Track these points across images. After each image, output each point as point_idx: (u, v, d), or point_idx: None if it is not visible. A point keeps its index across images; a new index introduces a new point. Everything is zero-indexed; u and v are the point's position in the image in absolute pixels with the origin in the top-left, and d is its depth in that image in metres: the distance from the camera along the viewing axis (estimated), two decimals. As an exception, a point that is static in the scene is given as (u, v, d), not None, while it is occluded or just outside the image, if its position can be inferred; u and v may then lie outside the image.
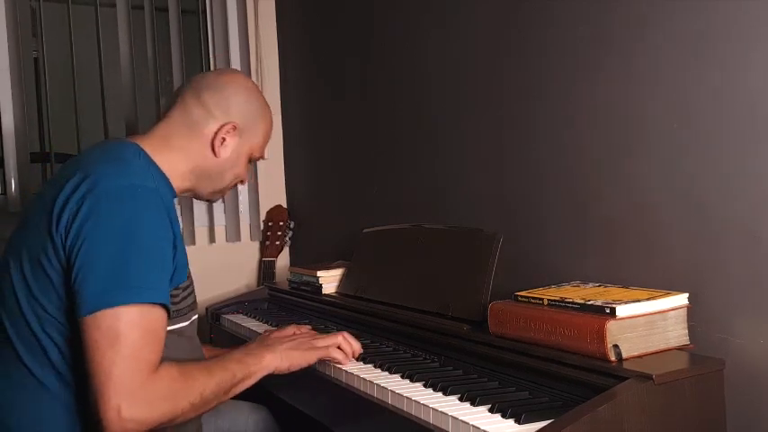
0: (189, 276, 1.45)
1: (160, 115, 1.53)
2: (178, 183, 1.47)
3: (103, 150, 1.41)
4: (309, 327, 1.76)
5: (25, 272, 1.29)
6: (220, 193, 1.59)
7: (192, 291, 1.47)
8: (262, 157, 1.60)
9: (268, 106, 1.60)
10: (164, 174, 1.42)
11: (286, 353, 1.44)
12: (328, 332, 1.74)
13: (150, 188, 1.32)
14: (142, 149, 1.41)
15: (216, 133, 1.48)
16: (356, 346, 1.55)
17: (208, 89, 1.50)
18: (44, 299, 1.27)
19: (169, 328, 1.31)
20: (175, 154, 1.46)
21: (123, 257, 1.23)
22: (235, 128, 1.49)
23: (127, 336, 1.19)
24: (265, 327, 2.03)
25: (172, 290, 1.33)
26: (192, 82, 1.53)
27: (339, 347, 1.53)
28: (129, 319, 1.20)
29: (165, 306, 1.27)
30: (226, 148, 1.49)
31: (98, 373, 1.18)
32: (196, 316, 1.49)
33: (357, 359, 1.55)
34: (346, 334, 1.57)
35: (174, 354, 1.32)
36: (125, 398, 1.17)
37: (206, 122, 1.48)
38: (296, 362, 1.45)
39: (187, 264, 1.43)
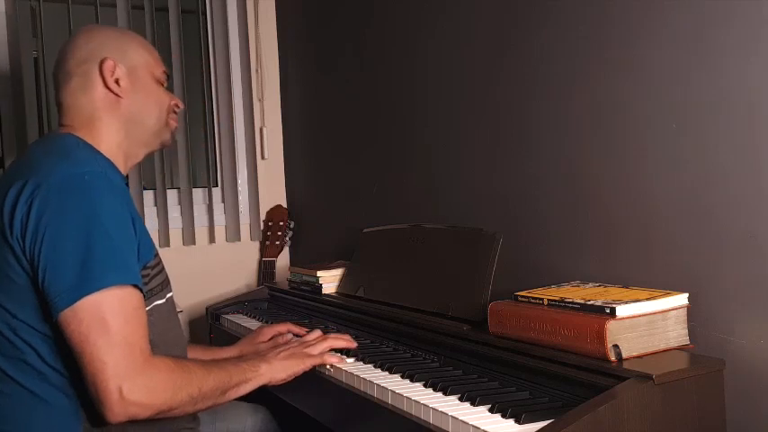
0: (156, 255, 1.42)
1: (57, 108, 1.47)
2: (118, 157, 1.43)
3: (43, 148, 1.38)
4: (303, 327, 1.79)
5: None
6: (166, 131, 1.51)
7: (162, 269, 1.45)
8: (165, 73, 1.53)
9: (121, 29, 1.57)
10: (106, 158, 1.39)
11: (281, 363, 1.46)
12: (327, 332, 1.74)
13: (97, 172, 1.29)
14: (79, 138, 1.39)
15: (103, 81, 1.42)
16: (344, 344, 1.57)
17: (66, 60, 1.45)
18: (14, 306, 1.25)
19: (146, 308, 1.29)
20: (95, 127, 1.42)
21: (88, 244, 1.20)
22: (114, 63, 1.43)
23: (113, 322, 1.18)
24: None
25: (141, 270, 1.31)
26: (54, 68, 1.48)
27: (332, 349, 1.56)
28: (110, 304, 1.19)
29: (139, 288, 1.25)
30: (123, 86, 1.43)
31: (92, 364, 1.17)
32: (171, 294, 1.47)
33: (357, 359, 1.55)
34: (333, 336, 1.60)
35: (153, 333, 1.31)
36: (124, 381, 1.17)
37: (89, 80, 1.43)
38: (292, 371, 1.47)
39: (152, 242, 1.40)
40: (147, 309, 1.31)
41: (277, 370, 1.44)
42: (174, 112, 1.55)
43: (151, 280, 1.37)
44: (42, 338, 1.25)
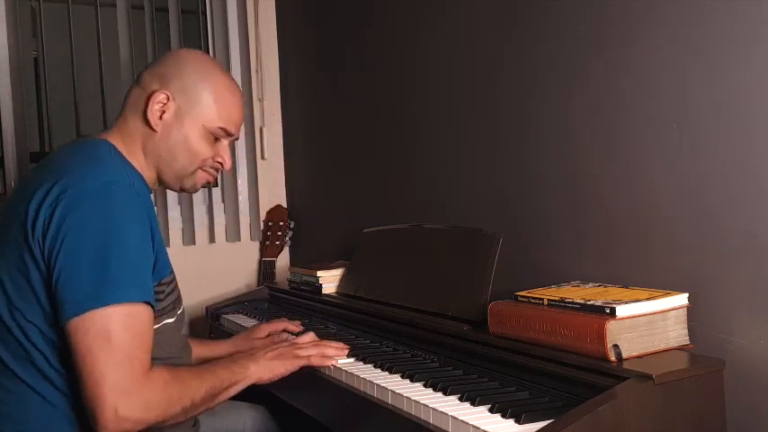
0: (172, 272, 1.42)
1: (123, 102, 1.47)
2: (147, 173, 1.42)
3: (75, 151, 1.37)
4: (300, 325, 1.79)
5: (4, 282, 1.26)
6: (189, 181, 1.46)
7: (176, 287, 1.45)
8: (230, 133, 1.46)
9: (222, 73, 1.46)
10: (136, 169, 1.39)
11: (268, 363, 1.46)
12: (327, 332, 1.74)
13: (125, 183, 1.29)
14: (113, 146, 1.38)
15: (146, 105, 1.39)
16: (334, 353, 1.55)
17: (147, 71, 1.45)
18: (25, 307, 1.25)
19: (156, 326, 1.30)
20: (133, 142, 1.41)
21: (106, 257, 1.20)
22: (168, 97, 1.39)
23: (118, 337, 1.18)
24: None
25: (156, 286, 1.32)
26: (145, 66, 1.49)
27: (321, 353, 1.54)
28: (119, 319, 1.19)
29: (150, 304, 1.25)
30: (164, 121, 1.39)
31: (91, 376, 1.17)
32: (181, 311, 1.47)
33: (357, 359, 1.55)
34: (325, 343, 1.58)
35: (162, 350, 1.32)
36: (121, 398, 1.17)
37: (143, 100, 1.41)
38: (278, 372, 1.46)
39: (168, 258, 1.40)
40: (157, 327, 1.31)
41: (264, 370, 1.44)
42: (214, 168, 1.48)
43: (165, 297, 1.37)
44: (50, 342, 1.25)
